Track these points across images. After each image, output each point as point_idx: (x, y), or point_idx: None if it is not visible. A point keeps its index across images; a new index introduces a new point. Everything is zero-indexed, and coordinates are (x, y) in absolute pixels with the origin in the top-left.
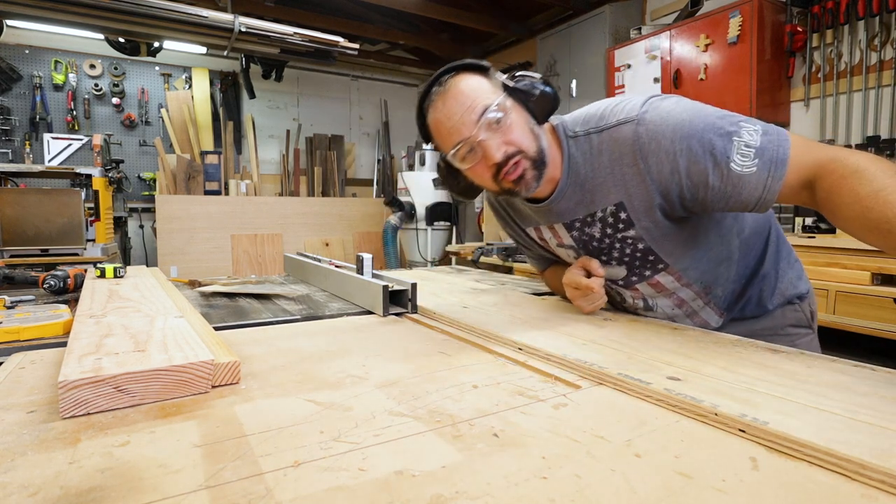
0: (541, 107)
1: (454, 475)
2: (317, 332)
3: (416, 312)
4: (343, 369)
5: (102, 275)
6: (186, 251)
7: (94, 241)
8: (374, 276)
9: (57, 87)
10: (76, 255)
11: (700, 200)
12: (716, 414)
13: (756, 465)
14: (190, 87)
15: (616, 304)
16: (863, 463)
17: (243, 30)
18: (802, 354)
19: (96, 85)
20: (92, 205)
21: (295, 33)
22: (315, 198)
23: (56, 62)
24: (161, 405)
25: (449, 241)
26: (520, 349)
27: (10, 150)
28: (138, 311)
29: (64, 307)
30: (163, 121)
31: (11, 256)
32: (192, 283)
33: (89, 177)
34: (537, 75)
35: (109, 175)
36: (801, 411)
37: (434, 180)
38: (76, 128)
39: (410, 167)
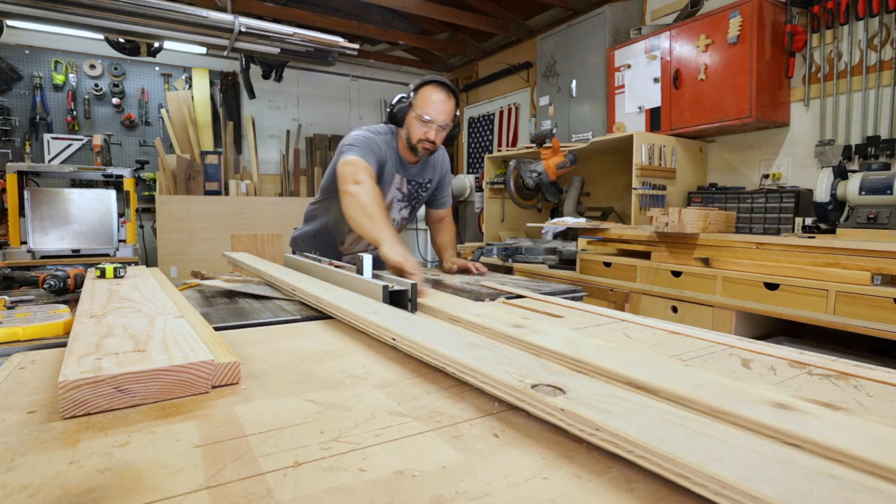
0: (452, 135)
1: (454, 475)
2: (317, 332)
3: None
4: (343, 369)
5: (102, 275)
6: (186, 251)
7: (124, 241)
8: (373, 276)
9: (57, 88)
10: (107, 255)
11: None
12: None
13: None
14: (190, 87)
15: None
16: None
17: (243, 30)
18: None
19: (96, 85)
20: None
21: (295, 33)
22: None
23: (56, 62)
24: (161, 405)
25: None
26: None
27: (10, 151)
28: (138, 311)
29: (64, 307)
30: (163, 121)
31: (43, 257)
32: (196, 274)
33: (120, 177)
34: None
35: (137, 175)
36: None
37: None
38: (76, 128)
39: None
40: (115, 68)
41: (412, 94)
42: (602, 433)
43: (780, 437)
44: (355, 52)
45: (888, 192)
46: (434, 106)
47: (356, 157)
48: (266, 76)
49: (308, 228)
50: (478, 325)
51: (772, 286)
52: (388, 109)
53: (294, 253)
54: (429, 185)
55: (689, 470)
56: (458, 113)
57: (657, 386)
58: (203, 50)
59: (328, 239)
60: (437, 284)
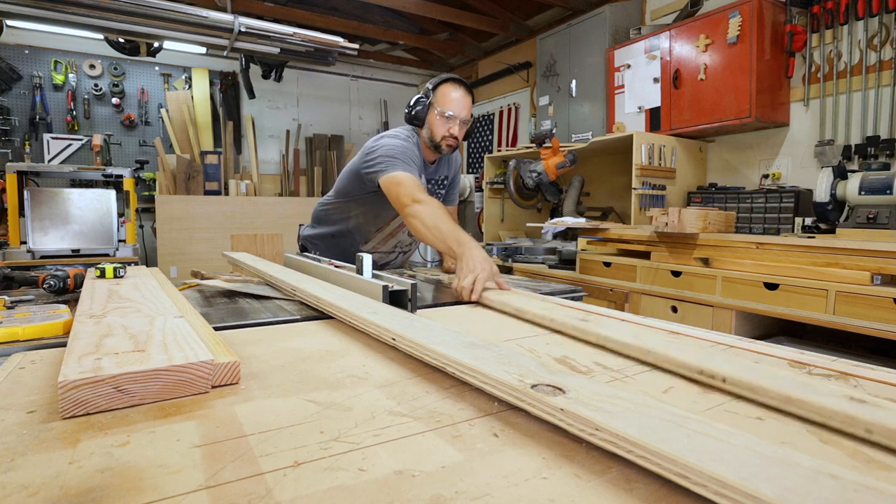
0: (468, 132)
1: (454, 475)
2: (317, 332)
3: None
4: (343, 369)
5: (102, 275)
6: (186, 251)
7: (124, 241)
8: (373, 276)
9: (57, 88)
10: (107, 255)
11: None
12: None
13: None
14: (190, 87)
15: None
16: None
17: (243, 30)
18: None
19: (96, 85)
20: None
21: (295, 33)
22: (315, 198)
23: (56, 62)
24: (161, 405)
25: None
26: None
27: (9, 151)
28: (138, 311)
29: (64, 307)
30: (162, 121)
31: (43, 257)
32: (196, 274)
33: (120, 177)
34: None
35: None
36: None
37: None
38: (76, 128)
39: None
40: (115, 68)
41: (431, 93)
42: (602, 433)
43: (859, 426)
44: (355, 52)
45: (888, 191)
46: (455, 102)
47: (405, 174)
48: (266, 76)
49: (325, 230)
50: (545, 316)
51: (772, 286)
52: (407, 111)
53: (304, 250)
54: (445, 182)
55: (689, 470)
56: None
57: (729, 375)
58: (203, 50)
59: (350, 240)
60: (438, 285)
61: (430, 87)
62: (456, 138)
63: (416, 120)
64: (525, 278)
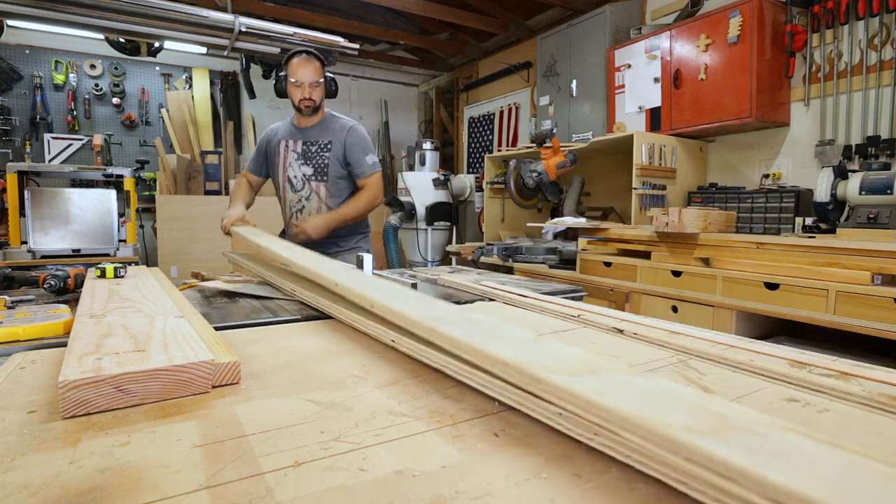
0: (330, 92)
1: (454, 475)
2: (317, 332)
3: None
4: (343, 369)
5: (102, 275)
6: (186, 251)
7: (124, 241)
8: (374, 275)
9: (57, 87)
10: (108, 255)
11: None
12: None
13: None
14: (190, 87)
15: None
16: None
17: (243, 30)
18: None
19: (96, 85)
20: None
21: (295, 33)
22: None
23: (56, 62)
24: (161, 405)
25: (449, 241)
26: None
27: (10, 150)
28: (138, 311)
29: (64, 307)
30: (163, 121)
31: (43, 257)
32: (196, 276)
33: (120, 177)
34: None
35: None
36: None
37: (434, 180)
38: (76, 128)
39: (410, 167)
40: (116, 68)
41: (284, 67)
42: (601, 437)
43: None
44: (355, 52)
45: (888, 191)
46: (298, 70)
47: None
48: (266, 76)
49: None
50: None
51: (772, 286)
52: (274, 87)
53: None
54: (329, 146)
55: (687, 475)
56: (326, 73)
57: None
58: (203, 50)
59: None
60: (435, 283)
61: (283, 62)
62: (311, 100)
63: (282, 94)
64: (525, 278)
